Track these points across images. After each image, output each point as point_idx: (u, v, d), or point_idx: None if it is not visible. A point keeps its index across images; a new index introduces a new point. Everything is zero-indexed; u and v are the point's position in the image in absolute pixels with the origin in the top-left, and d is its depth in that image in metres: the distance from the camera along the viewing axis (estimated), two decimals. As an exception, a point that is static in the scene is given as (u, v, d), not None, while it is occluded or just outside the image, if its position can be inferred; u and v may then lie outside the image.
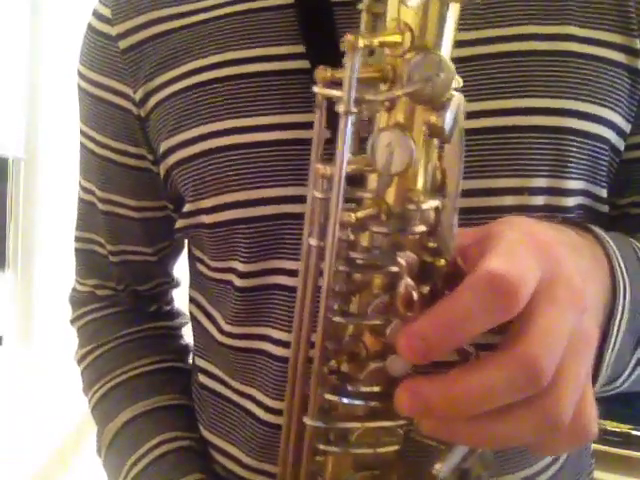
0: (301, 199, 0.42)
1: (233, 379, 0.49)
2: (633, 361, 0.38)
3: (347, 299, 0.29)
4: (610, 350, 0.35)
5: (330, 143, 0.28)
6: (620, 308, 0.35)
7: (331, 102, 0.28)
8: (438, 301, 0.26)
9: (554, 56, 0.41)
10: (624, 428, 1.72)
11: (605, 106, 0.41)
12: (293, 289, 0.43)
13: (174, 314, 0.63)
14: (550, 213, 0.41)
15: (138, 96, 0.47)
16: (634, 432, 1.73)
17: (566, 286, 0.27)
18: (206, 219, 0.45)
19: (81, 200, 0.57)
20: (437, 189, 0.28)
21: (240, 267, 0.45)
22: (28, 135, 2.36)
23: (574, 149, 0.41)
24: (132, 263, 0.57)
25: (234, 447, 0.49)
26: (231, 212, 0.44)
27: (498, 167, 0.41)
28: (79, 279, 0.61)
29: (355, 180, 0.28)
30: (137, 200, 0.53)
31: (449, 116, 0.26)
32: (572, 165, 0.41)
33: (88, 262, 0.60)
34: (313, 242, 0.29)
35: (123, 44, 0.47)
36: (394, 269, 0.27)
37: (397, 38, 0.26)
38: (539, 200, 0.41)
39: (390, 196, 0.27)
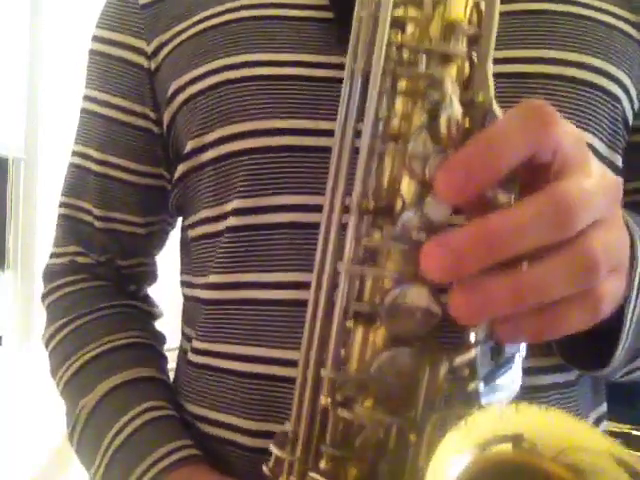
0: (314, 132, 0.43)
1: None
2: None
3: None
4: (631, 313, 0.34)
5: None
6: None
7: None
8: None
9: (567, 17, 0.42)
10: (624, 428, 1.72)
11: (619, 68, 0.43)
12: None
13: (151, 302, 0.61)
14: None
15: (151, 48, 0.49)
16: (634, 432, 1.72)
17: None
18: (211, 154, 0.46)
19: (72, 165, 0.57)
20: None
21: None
22: (28, 135, 2.35)
23: (593, 101, 0.42)
24: (119, 232, 0.56)
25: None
26: (235, 145, 0.45)
27: None
28: (57, 248, 0.59)
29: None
30: (136, 163, 0.53)
31: None
32: (592, 119, 0.42)
33: (71, 229, 0.58)
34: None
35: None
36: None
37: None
38: None
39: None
